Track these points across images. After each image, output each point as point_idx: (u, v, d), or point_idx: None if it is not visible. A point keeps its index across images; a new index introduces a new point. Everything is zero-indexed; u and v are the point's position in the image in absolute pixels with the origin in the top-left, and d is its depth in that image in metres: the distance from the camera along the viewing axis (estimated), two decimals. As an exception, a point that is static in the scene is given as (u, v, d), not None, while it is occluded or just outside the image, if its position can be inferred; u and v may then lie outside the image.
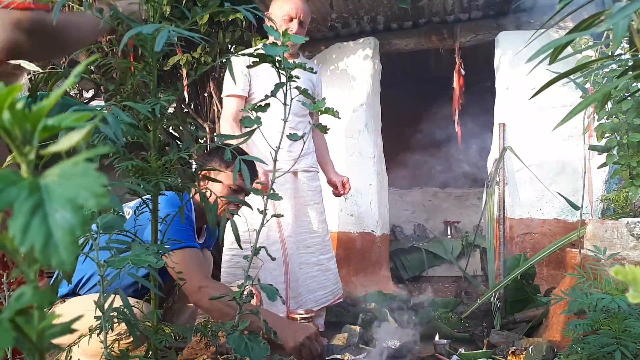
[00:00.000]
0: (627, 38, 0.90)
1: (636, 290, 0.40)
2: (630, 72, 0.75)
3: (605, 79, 2.23)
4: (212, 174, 1.90)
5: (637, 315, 1.45)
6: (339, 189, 2.71)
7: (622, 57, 1.79)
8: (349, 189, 2.74)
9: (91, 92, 4.47)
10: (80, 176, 0.26)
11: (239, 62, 2.45)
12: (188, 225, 1.76)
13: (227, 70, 2.49)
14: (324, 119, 2.64)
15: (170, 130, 4.07)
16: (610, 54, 2.03)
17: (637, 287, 0.40)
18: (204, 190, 1.23)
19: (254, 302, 2.04)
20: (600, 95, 0.62)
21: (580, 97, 1.74)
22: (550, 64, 0.90)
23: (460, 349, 2.17)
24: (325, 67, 3.76)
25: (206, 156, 2.01)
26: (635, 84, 2.00)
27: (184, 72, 3.50)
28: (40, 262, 0.27)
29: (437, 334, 2.32)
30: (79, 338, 1.19)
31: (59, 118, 0.33)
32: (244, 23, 3.33)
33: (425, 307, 2.95)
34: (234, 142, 1.24)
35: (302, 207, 2.58)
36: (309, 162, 2.64)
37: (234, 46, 3.42)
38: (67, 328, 0.38)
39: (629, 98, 2.02)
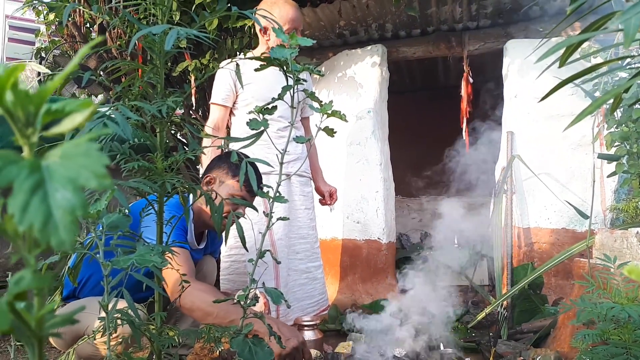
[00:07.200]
0: (638, 41, 0.89)
1: (651, 289, 0.39)
2: (642, 75, 0.74)
3: (616, 87, 2.20)
4: (218, 181, 1.90)
5: (647, 326, 1.42)
6: (326, 198, 2.71)
7: (633, 61, 1.77)
8: (336, 200, 2.75)
9: (100, 97, 4.50)
10: (82, 156, 0.26)
11: (224, 73, 2.47)
12: (179, 225, 1.76)
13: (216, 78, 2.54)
14: (331, 123, 2.64)
15: (178, 137, 4.09)
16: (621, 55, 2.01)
17: (651, 286, 0.39)
18: (210, 193, 1.22)
19: (260, 307, 2.02)
20: (611, 96, 0.61)
21: (590, 104, 1.72)
22: (560, 66, 0.89)
23: (466, 359, 2.14)
24: (333, 74, 3.77)
25: (215, 161, 2.00)
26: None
27: (192, 77, 3.52)
28: (41, 245, 0.26)
29: (443, 344, 2.29)
30: (81, 339, 1.19)
31: (63, 103, 0.33)
32: (252, 30, 3.35)
33: (431, 316, 2.92)
34: (238, 145, 1.24)
35: (293, 211, 2.55)
36: (302, 166, 2.62)
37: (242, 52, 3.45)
38: (68, 319, 0.37)
39: (638, 106, 2.00)
